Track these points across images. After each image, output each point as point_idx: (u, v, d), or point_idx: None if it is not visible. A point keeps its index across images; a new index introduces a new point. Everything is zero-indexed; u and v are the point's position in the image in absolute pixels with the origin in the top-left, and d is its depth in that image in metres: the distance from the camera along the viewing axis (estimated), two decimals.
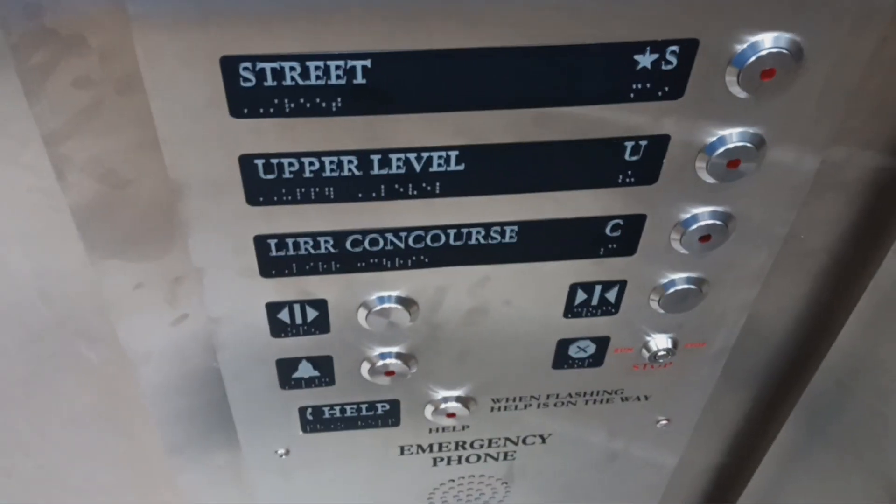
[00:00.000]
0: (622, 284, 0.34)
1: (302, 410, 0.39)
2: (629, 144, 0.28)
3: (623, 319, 0.36)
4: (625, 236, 0.31)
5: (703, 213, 0.31)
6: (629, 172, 0.29)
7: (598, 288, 0.34)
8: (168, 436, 0.41)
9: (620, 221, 0.31)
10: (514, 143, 0.27)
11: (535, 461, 0.46)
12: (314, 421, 0.40)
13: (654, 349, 0.37)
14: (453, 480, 0.48)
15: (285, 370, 0.36)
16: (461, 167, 0.28)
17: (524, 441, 0.44)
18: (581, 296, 0.34)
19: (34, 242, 0.32)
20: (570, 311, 0.35)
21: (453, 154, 0.28)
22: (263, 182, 0.28)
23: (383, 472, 0.45)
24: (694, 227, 0.31)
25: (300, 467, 0.44)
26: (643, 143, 0.28)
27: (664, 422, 0.42)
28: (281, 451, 0.42)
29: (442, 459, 0.45)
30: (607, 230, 0.31)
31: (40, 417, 0.43)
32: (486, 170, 0.28)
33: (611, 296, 0.34)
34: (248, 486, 0.45)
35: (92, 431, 0.44)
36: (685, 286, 0.34)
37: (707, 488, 0.53)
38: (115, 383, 0.40)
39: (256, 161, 0.27)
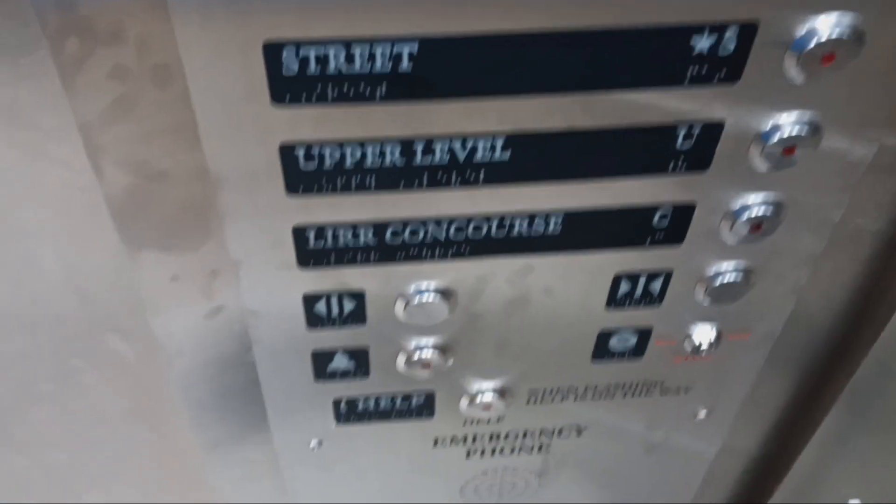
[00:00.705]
0: (668, 275, 0.33)
1: (336, 402, 0.38)
2: (682, 131, 0.27)
3: (666, 310, 0.35)
4: (673, 225, 0.30)
5: (754, 201, 0.30)
6: (680, 160, 0.28)
7: (643, 278, 0.33)
8: (201, 430, 0.40)
9: (669, 210, 0.30)
10: (562, 130, 0.27)
11: (570, 454, 0.45)
12: (348, 413, 0.39)
13: (698, 341, 0.36)
14: (486, 473, 0.47)
15: (320, 362, 0.36)
16: (507, 155, 0.27)
17: (560, 433, 0.43)
18: (625, 286, 0.33)
19: (68, 237, 0.32)
20: (613, 301, 0.34)
21: (499, 141, 0.27)
22: (304, 171, 0.27)
23: (416, 464, 0.45)
24: (745, 215, 0.30)
25: (333, 460, 0.43)
26: (696, 129, 0.27)
27: (704, 413, 0.42)
28: (314, 443, 0.41)
29: (476, 452, 0.44)
30: (655, 219, 0.30)
31: (71, 413, 0.42)
32: (533, 158, 0.27)
33: (655, 286, 0.33)
34: (281, 481, 0.45)
35: (124, 427, 0.44)
36: (733, 276, 0.33)
37: (746, 478, 0.52)
38: (148, 379, 0.39)
39: (297, 149, 0.26)
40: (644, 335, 0.36)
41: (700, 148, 0.28)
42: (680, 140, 0.27)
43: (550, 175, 0.28)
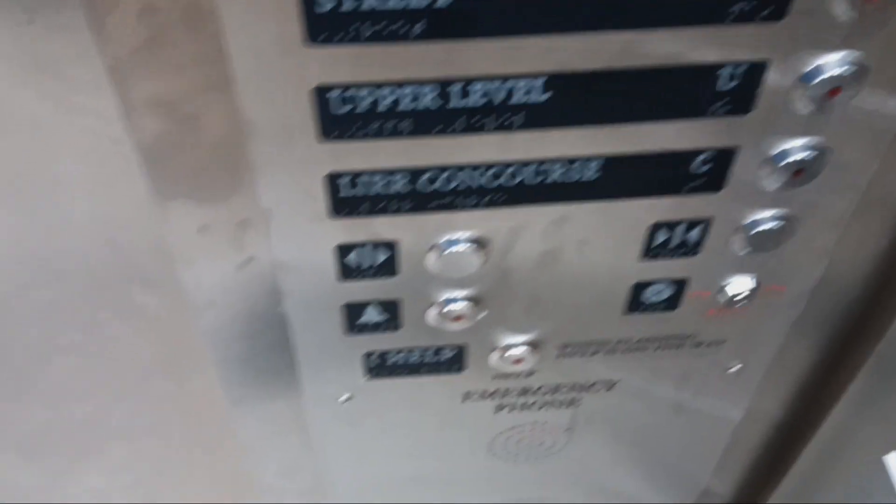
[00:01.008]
0: (706, 223, 0.32)
1: (366, 356, 0.38)
2: (724, 71, 0.26)
3: (702, 261, 0.34)
4: (714, 170, 0.30)
5: (797, 146, 0.29)
6: (722, 102, 0.27)
7: (681, 227, 0.32)
8: (228, 384, 0.40)
9: (710, 155, 0.29)
10: (603, 70, 0.26)
11: (599, 410, 0.45)
12: (378, 367, 0.39)
13: (733, 292, 0.35)
14: (514, 428, 0.47)
15: (352, 315, 0.35)
16: (546, 97, 0.26)
17: (590, 388, 0.43)
18: (661, 236, 0.33)
19: (98, 188, 0.31)
20: (648, 252, 0.33)
21: (539, 82, 0.26)
22: (337, 115, 0.26)
23: (445, 419, 0.45)
24: (786, 160, 0.29)
25: (362, 415, 0.43)
26: (739, 69, 0.26)
27: (736, 368, 0.41)
28: (343, 397, 0.41)
29: (505, 407, 0.44)
30: (695, 164, 0.30)
31: (97, 365, 0.42)
32: (573, 100, 0.27)
33: (693, 236, 0.33)
34: (307, 436, 0.45)
35: (150, 380, 0.44)
36: (773, 224, 0.32)
37: (772, 439, 0.52)
38: (175, 332, 0.39)
39: (331, 92, 0.26)
40: (679, 287, 0.35)
41: (742, 89, 0.27)
42: (722, 81, 0.27)
43: (590, 119, 0.28)
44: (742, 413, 0.47)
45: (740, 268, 0.35)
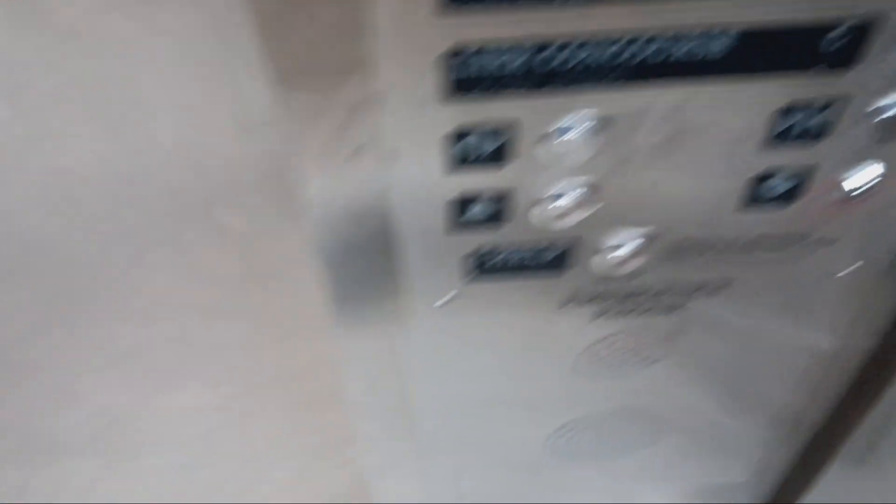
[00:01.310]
0: (838, 104, 0.30)
1: (467, 256, 0.38)
2: None
3: (828, 149, 0.32)
4: (850, 44, 0.28)
5: None
6: None
7: (810, 110, 0.31)
8: (329, 281, 0.40)
9: (844, 29, 0.28)
10: None
11: (701, 316, 0.44)
12: (481, 267, 0.38)
13: (859, 182, 0.34)
14: (608, 339, 0.46)
15: (457, 210, 0.35)
16: None
17: (694, 293, 0.41)
18: (788, 120, 0.31)
19: (184, 110, 0.31)
20: (773, 139, 0.32)
21: None
22: None
23: (538, 328, 0.44)
24: None
25: (457, 321, 0.43)
26: None
27: (853, 268, 0.39)
28: (441, 301, 0.41)
29: (605, 313, 0.43)
30: (832, 36, 0.28)
31: (186, 283, 0.43)
32: None
33: (821, 120, 0.31)
34: (401, 346, 0.45)
35: (239, 297, 0.44)
36: None
37: (859, 378, 0.50)
38: (265, 247, 0.39)
39: None
40: (802, 177, 0.34)
41: None
42: None
43: None
44: (853, 316, 0.45)
45: (868, 157, 0.33)
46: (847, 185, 0.34)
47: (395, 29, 0.27)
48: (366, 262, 0.39)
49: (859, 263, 0.39)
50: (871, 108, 0.31)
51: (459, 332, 0.44)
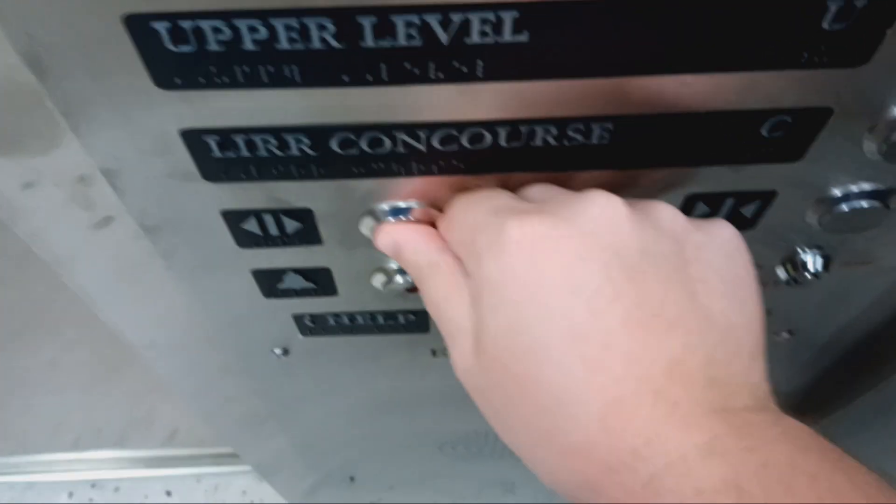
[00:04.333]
0: (767, 197, 0.22)
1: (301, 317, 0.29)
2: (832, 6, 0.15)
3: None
4: (792, 137, 0.19)
5: None
6: (823, 48, 0.16)
7: (730, 202, 0.22)
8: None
9: (788, 118, 0.19)
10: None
11: None
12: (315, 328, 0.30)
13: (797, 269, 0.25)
14: None
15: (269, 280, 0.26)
16: (523, 38, 0.16)
17: None
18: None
19: None
20: None
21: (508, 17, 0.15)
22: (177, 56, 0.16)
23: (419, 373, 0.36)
24: None
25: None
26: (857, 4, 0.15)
27: (785, 336, 0.32)
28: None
29: None
30: (765, 130, 0.19)
31: None
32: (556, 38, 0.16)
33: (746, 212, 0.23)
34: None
35: None
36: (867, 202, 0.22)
37: None
38: None
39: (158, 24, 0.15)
40: None
41: (855, 32, 0.16)
42: (829, 19, 0.15)
43: (595, 66, 0.17)
44: None
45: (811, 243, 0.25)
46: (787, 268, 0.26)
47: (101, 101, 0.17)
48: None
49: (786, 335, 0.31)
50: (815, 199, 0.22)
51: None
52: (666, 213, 0.18)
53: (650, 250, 0.17)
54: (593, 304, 0.16)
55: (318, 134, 0.19)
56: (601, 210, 0.17)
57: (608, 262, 0.17)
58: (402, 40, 0.16)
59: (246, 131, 0.18)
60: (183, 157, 0.19)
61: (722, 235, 0.19)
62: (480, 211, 0.19)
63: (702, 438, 0.15)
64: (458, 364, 0.19)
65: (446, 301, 0.19)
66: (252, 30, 0.15)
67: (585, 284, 0.17)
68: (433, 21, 0.15)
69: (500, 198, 0.19)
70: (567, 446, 0.16)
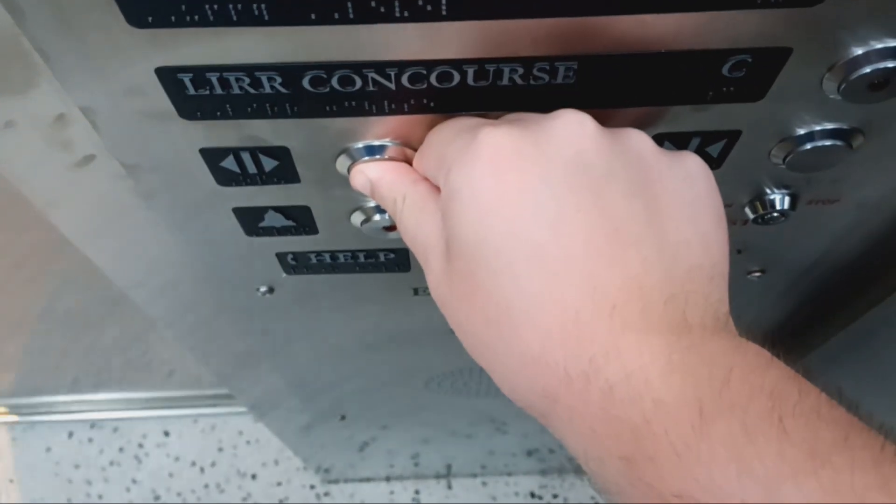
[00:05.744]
0: (732, 136, 0.22)
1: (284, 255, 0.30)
2: None
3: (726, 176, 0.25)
4: (752, 76, 0.20)
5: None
6: None
7: (696, 141, 0.23)
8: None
9: (748, 57, 0.19)
10: None
11: None
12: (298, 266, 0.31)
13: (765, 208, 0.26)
14: None
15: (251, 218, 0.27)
16: None
17: None
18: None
19: None
20: None
21: None
22: None
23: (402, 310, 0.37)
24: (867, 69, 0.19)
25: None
26: None
27: (756, 274, 0.33)
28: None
29: None
30: (725, 69, 0.19)
31: None
32: None
33: (712, 151, 0.23)
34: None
35: None
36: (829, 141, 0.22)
37: None
38: None
39: None
40: None
41: None
42: None
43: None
44: None
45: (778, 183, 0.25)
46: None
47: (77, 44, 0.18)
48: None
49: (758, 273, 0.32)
50: (780, 139, 0.23)
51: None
52: (635, 137, 0.19)
53: (615, 169, 0.18)
54: (555, 225, 0.17)
55: (289, 72, 0.19)
56: (570, 127, 0.18)
57: (571, 180, 0.17)
58: None
59: (219, 69, 0.19)
60: (160, 95, 0.20)
61: (688, 162, 0.19)
62: (454, 129, 0.20)
63: (661, 352, 0.16)
64: (432, 283, 0.20)
65: (418, 227, 0.20)
66: None
67: (547, 206, 0.17)
68: None
69: (473, 119, 0.20)
70: (527, 355, 0.17)
